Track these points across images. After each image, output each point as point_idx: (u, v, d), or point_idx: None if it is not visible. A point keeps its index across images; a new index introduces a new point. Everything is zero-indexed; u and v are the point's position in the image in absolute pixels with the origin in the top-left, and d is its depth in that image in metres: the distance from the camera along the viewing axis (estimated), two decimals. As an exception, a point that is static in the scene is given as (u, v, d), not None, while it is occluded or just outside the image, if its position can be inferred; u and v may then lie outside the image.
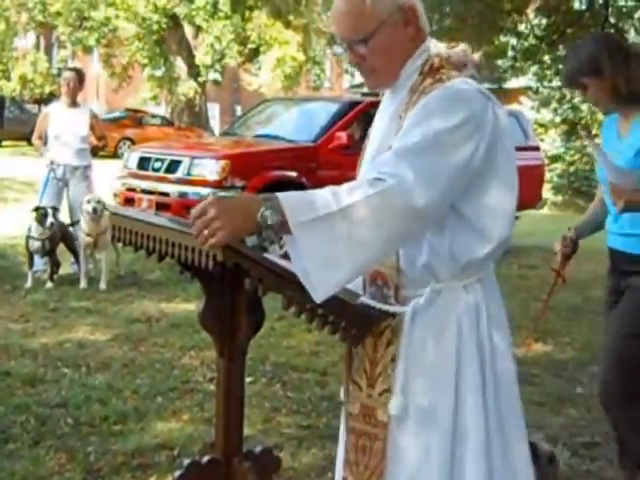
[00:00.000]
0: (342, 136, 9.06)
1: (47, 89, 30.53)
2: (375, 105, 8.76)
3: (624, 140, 3.17)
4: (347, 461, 2.06)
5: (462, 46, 2.07)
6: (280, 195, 1.79)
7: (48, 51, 37.84)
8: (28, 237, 7.36)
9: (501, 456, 1.98)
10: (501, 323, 2.05)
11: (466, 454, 1.94)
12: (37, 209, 7.39)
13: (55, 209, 7.54)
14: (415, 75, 2.00)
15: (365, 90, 34.84)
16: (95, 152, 8.41)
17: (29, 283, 7.24)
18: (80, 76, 8.14)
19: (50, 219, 7.27)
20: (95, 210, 7.25)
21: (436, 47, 2.04)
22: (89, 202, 7.31)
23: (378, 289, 2.00)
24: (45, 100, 27.53)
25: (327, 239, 1.76)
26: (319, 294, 1.80)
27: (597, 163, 3.26)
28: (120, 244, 2.75)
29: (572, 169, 19.65)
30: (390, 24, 1.97)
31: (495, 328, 2.00)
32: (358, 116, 9.54)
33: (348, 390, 2.09)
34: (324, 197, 1.79)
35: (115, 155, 23.07)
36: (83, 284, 7.34)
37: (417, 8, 2.01)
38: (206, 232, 1.75)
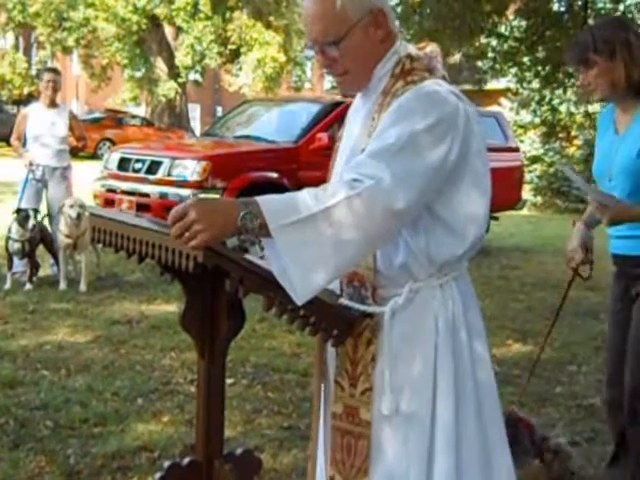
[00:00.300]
0: (323, 137, 9.07)
1: (26, 90, 30.38)
2: (356, 106, 8.50)
3: (622, 136, 3.06)
4: (333, 460, 2.09)
5: (432, 47, 2.08)
6: (260, 199, 1.79)
7: (27, 52, 37.64)
8: (8, 238, 7.32)
9: (483, 465, 2.02)
10: (477, 326, 2.08)
11: (438, 450, 1.97)
12: (18, 211, 7.35)
13: (35, 211, 7.50)
14: (387, 77, 2.01)
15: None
16: (75, 153, 8.38)
17: (8, 285, 7.20)
18: (59, 75, 8.13)
19: (32, 221, 7.23)
20: (79, 215, 7.21)
21: (406, 49, 2.05)
22: (72, 207, 7.27)
23: (355, 290, 2.02)
24: (24, 101, 27.37)
25: (307, 241, 1.77)
26: (300, 296, 1.81)
27: (575, 180, 3.16)
28: (100, 245, 2.74)
29: (551, 170, 19.76)
30: (361, 27, 1.98)
31: (474, 335, 2.04)
32: (339, 117, 9.53)
33: (328, 390, 2.11)
34: (303, 199, 1.80)
35: (95, 156, 22.98)
36: (63, 286, 7.31)
37: (386, 11, 2.02)
38: (187, 234, 1.75)
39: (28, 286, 7.22)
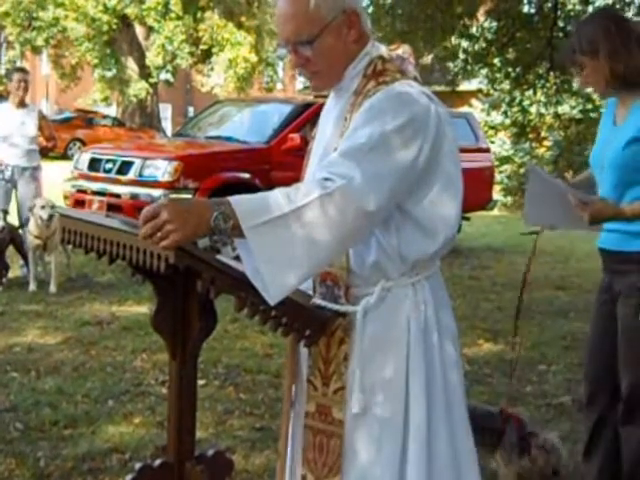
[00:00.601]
0: (295, 137, 9.08)
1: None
2: (327, 107, 8.50)
3: (618, 128, 3.07)
4: (305, 459, 2.09)
5: (404, 48, 2.10)
6: (232, 199, 1.79)
7: (-5, 51, 37.28)
8: None
9: (454, 465, 2.04)
10: (449, 326, 2.10)
11: (411, 451, 1.98)
12: None
13: (5, 212, 7.43)
14: (359, 77, 2.03)
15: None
16: (44, 153, 8.31)
17: None
18: (28, 75, 8.07)
19: (1, 222, 7.16)
20: (50, 217, 7.13)
21: (378, 50, 2.07)
22: (43, 207, 7.20)
23: (328, 289, 2.02)
24: (-7, 100, 27.08)
25: (279, 242, 1.77)
26: (272, 296, 1.81)
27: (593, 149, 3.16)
28: (70, 247, 2.72)
29: (521, 171, 19.92)
30: (334, 27, 1.99)
31: (446, 335, 2.06)
32: (311, 118, 9.54)
33: (300, 390, 2.12)
34: (275, 199, 1.80)
35: (65, 156, 22.78)
36: (32, 287, 7.24)
37: (359, 11, 2.04)
38: (159, 234, 1.75)
39: None
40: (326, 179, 1.83)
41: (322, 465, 2.05)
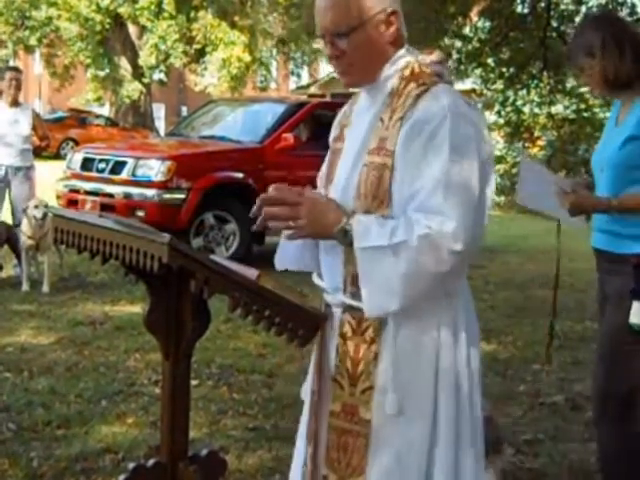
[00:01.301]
0: (289, 137, 9.07)
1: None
2: (321, 107, 8.83)
3: (618, 129, 3.11)
4: (329, 459, 2.09)
5: (437, 54, 2.11)
6: (357, 216, 1.94)
7: (-12, 50, 37.15)
8: None
9: (474, 467, 2.07)
10: (474, 327, 2.15)
11: (440, 449, 2.01)
12: None
13: None
14: (394, 79, 2.04)
15: (311, 91, 34.79)
16: (38, 152, 8.29)
17: None
18: (21, 74, 8.05)
19: None
20: (44, 216, 7.12)
21: (413, 54, 2.09)
22: (37, 207, 7.19)
23: (360, 289, 1.98)
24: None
25: (380, 268, 1.90)
26: (368, 312, 1.95)
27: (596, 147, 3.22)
28: (63, 246, 2.72)
29: (514, 170, 19.93)
30: (373, 23, 2.01)
31: (471, 333, 2.10)
32: (304, 117, 9.55)
33: (323, 389, 2.12)
34: (387, 227, 1.90)
35: (58, 156, 22.74)
36: (25, 287, 7.22)
37: (399, 14, 2.06)
38: (290, 223, 1.94)
39: None
40: (424, 220, 1.88)
41: (346, 465, 2.05)
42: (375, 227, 1.91)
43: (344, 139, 2.16)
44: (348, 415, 2.05)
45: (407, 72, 2.04)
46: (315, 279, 2.16)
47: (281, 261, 2.27)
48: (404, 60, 2.06)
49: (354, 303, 2.00)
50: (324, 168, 2.24)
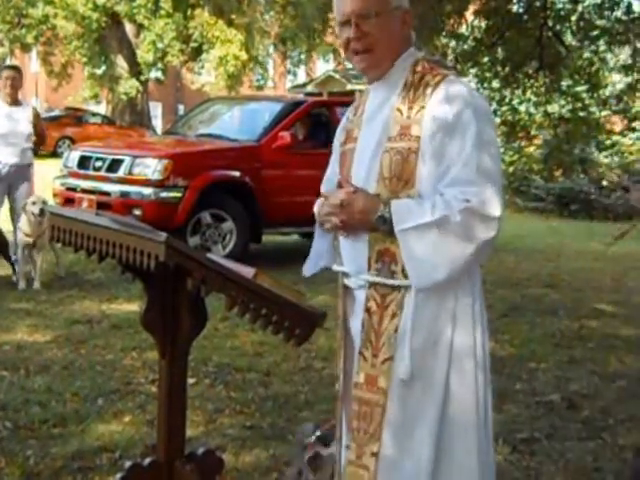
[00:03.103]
0: (285, 136, 9.05)
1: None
2: (318, 105, 8.83)
3: None
4: (350, 428, 2.21)
5: (437, 56, 2.29)
6: (393, 202, 2.09)
7: (-15, 48, 37.06)
8: None
9: (485, 435, 2.21)
10: (484, 315, 2.26)
11: (455, 418, 2.13)
12: None
13: None
14: (406, 73, 2.21)
15: (308, 90, 34.72)
16: (35, 151, 8.28)
17: None
18: (20, 73, 8.03)
19: None
20: (42, 212, 7.10)
21: (420, 53, 2.28)
22: (34, 203, 7.19)
23: (384, 265, 2.15)
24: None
25: (423, 244, 2.05)
26: (417, 286, 2.10)
27: None
28: (59, 245, 2.71)
29: (511, 169, 19.95)
30: (396, 14, 2.20)
31: (483, 309, 2.23)
32: (301, 116, 9.55)
33: (349, 364, 2.26)
34: (425, 207, 2.06)
35: (54, 154, 22.70)
36: (22, 285, 7.22)
37: (412, 16, 2.26)
38: (334, 219, 2.14)
39: None
40: (460, 195, 2.06)
41: (364, 433, 2.16)
42: (415, 208, 2.07)
43: (355, 139, 2.28)
44: (369, 385, 2.17)
45: (419, 67, 2.21)
46: (335, 267, 2.31)
47: (315, 265, 2.41)
48: (414, 58, 2.24)
49: (378, 279, 2.15)
50: (329, 173, 2.35)
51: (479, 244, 2.06)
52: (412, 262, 2.08)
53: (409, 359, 2.10)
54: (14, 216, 7.75)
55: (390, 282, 2.14)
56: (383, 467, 2.14)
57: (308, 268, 2.40)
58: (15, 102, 7.84)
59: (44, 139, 8.42)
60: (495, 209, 2.06)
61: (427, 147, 2.10)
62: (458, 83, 2.17)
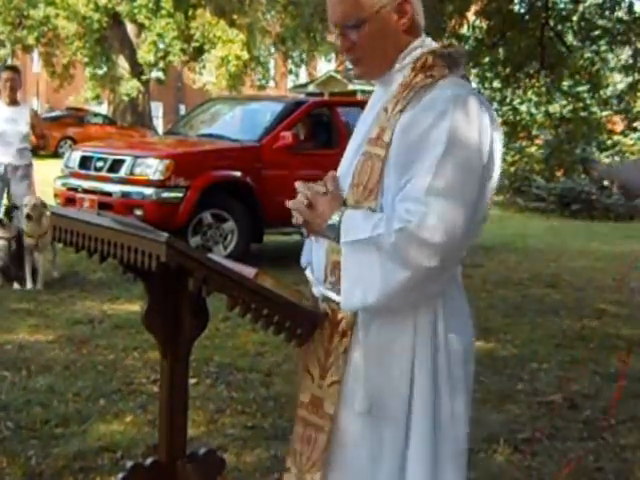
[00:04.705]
0: (287, 136, 9.05)
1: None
2: (319, 105, 8.84)
3: None
4: (292, 451, 2.06)
5: (457, 47, 2.05)
6: (346, 212, 1.93)
7: (-14, 48, 37.09)
8: None
9: (457, 467, 2.00)
10: (456, 320, 2.04)
11: (412, 451, 1.94)
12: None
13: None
14: (407, 70, 1.99)
15: (309, 90, 34.69)
16: (35, 151, 8.29)
17: None
18: (18, 73, 8.07)
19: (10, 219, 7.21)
20: (29, 217, 7.14)
21: (430, 45, 2.02)
22: (26, 206, 7.23)
23: (337, 279, 1.97)
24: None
25: (360, 262, 1.88)
26: (343, 306, 1.93)
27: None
28: (60, 245, 2.71)
29: (512, 169, 19.96)
30: (383, 14, 1.96)
31: (452, 328, 2.00)
32: (303, 116, 9.55)
33: (301, 379, 2.08)
34: (369, 221, 1.88)
35: (56, 154, 22.71)
36: (29, 285, 7.22)
37: (414, 2, 2.00)
38: (298, 217, 1.98)
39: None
40: (404, 213, 1.83)
41: (306, 459, 2.01)
42: (360, 221, 1.89)
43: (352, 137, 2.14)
44: (314, 407, 2.01)
45: (419, 64, 1.97)
46: (307, 272, 2.13)
47: (306, 257, 2.21)
48: (419, 51, 2.00)
49: (330, 294, 1.98)
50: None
51: (417, 271, 1.82)
52: (344, 279, 1.89)
53: (364, 390, 1.93)
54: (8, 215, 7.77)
55: (338, 299, 1.95)
56: None
57: (302, 260, 2.23)
58: (14, 102, 7.86)
59: (46, 140, 8.44)
60: (435, 235, 1.80)
61: (393, 156, 1.91)
62: (447, 89, 1.91)
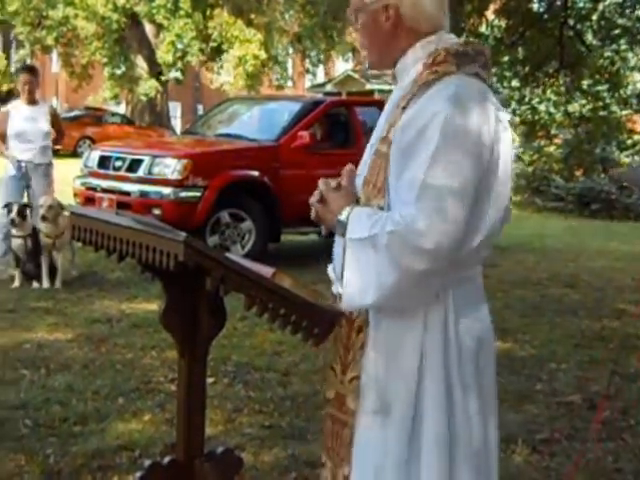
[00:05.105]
0: (304, 135, 9.05)
1: (5, 87, 30.15)
2: (337, 105, 8.85)
3: None
4: (325, 446, 2.10)
5: (474, 44, 2.06)
6: (355, 209, 1.94)
7: (6, 49, 37.40)
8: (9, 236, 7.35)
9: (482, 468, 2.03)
10: (473, 316, 2.04)
11: (423, 450, 1.93)
12: (6, 206, 7.36)
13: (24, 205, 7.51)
14: (419, 66, 1.99)
15: (327, 90, 34.65)
16: (55, 150, 8.34)
17: (17, 283, 7.26)
18: (35, 73, 8.13)
19: (13, 215, 7.24)
20: (44, 218, 7.21)
21: (446, 41, 2.00)
22: (41, 207, 7.27)
23: None
24: (3, 99, 27.18)
25: (359, 260, 1.88)
26: (343, 304, 1.94)
27: None
28: (79, 244, 2.73)
29: (530, 169, 19.87)
30: (372, 9, 2.01)
31: (465, 325, 1.99)
32: (320, 116, 9.54)
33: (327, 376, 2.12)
34: (369, 220, 1.88)
35: (75, 154, 22.83)
36: (46, 284, 7.26)
37: (402, 12, 1.99)
38: (314, 211, 2.01)
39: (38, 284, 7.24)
40: (397, 215, 1.84)
41: (337, 454, 2.05)
42: (365, 219, 1.89)
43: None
44: (339, 403, 2.05)
45: (430, 60, 1.96)
46: (329, 270, 2.12)
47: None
48: (433, 47, 1.98)
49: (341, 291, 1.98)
50: None
51: (410, 274, 1.82)
52: (344, 277, 1.90)
53: (374, 389, 1.96)
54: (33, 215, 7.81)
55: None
56: None
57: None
58: (33, 102, 7.93)
59: (62, 136, 8.48)
60: (425, 240, 1.79)
61: (393, 155, 1.91)
62: (450, 86, 1.89)
